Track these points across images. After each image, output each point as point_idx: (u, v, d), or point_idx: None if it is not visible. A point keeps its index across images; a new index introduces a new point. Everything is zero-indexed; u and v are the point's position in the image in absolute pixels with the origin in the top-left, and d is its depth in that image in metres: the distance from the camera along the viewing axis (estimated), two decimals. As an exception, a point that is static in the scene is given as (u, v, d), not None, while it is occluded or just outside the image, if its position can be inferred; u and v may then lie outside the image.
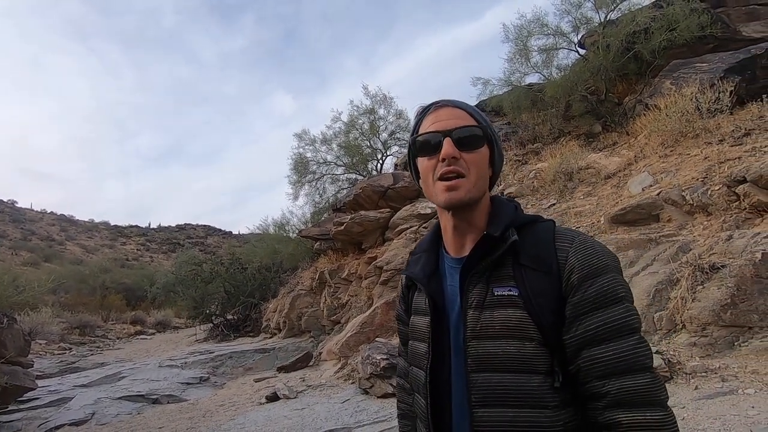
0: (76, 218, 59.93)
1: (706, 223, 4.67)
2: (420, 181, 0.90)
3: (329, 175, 14.38)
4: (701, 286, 3.78)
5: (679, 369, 3.43)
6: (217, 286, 13.63)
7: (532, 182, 8.07)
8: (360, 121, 14.18)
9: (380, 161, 14.10)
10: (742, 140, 5.69)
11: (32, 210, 56.49)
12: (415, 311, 0.94)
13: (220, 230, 66.40)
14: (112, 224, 61.82)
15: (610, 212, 5.46)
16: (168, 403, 6.00)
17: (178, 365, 7.97)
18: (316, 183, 14.35)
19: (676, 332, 3.81)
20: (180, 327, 18.85)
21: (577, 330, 0.75)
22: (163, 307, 21.02)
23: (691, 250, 4.25)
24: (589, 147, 8.62)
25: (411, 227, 8.12)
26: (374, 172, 13.35)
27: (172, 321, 19.92)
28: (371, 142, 14.05)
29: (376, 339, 6.13)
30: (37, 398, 6.03)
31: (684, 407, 2.92)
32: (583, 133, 9.46)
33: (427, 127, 0.86)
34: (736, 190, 4.57)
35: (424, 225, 8.05)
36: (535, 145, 9.79)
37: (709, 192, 4.84)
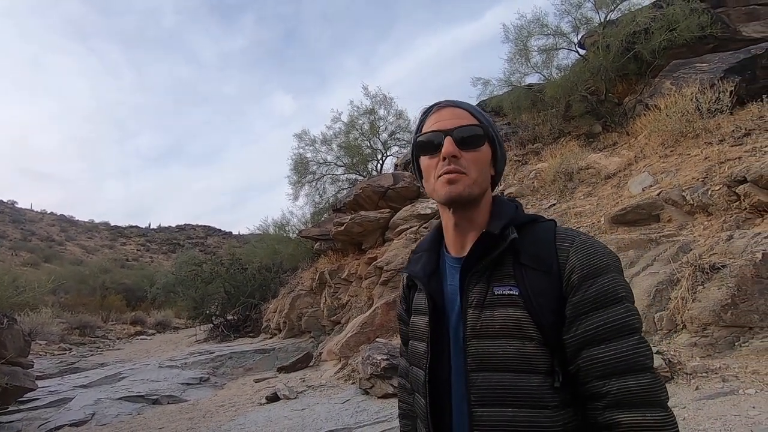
0: (76, 219, 59.98)
1: (706, 223, 4.67)
2: (423, 180, 0.91)
3: (329, 176, 14.40)
4: (702, 287, 3.78)
5: (680, 369, 3.42)
6: (217, 286, 13.63)
7: (533, 182, 8.07)
8: (360, 122, 14.20)
9: (380, 161, 14.12)
10: (743, 140, 5.69)
11: (32, 210, 56.51)
12: (416, 311, 0.94)
13: (220, 230, 66.40)
14: (112, 225, 61.85)
15: (610, 212, 5.46)
16: (168, 403, 5.99)
17: (178, 366, 7.97)
18: (316, 183, 14.37)
19: (676, 332, 3.81)
20: (180, 327, 18.84)
21: (578, 330, 0.74)
22: (163, 308, 21.01)
23: (691, 250, 4.25)
24: (590, 147, 8.62)
25: (411, 227, 8.12)
26: (374, 173, 13.35)
27: (172, 321, 19.90)
28: (371, 143, 14.06)
29: (377, 339, 6.13)
30: (38, 399, 6.02)
31: (685, 407, 2.92)
32: (583, 134, 9.46)
33: (429, 127, 0.87)
34: (737, 190, 4.57)
35: (424, 225, 8.05)
36: (535, 145, 9.79)
37: (709, 192, 4.84)
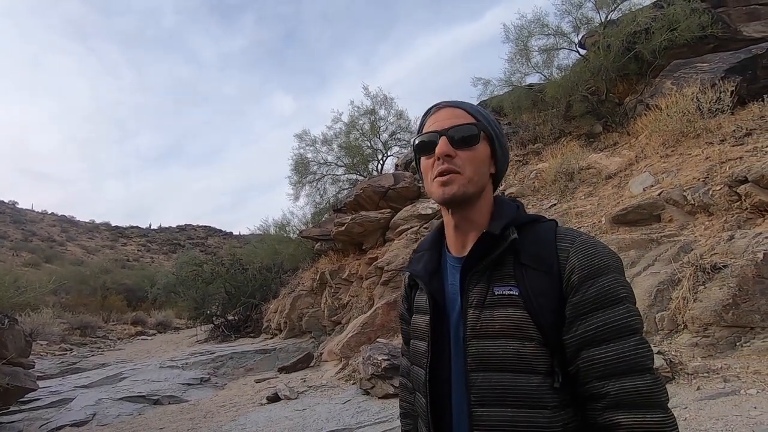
0: (77, 219, 60.10)
1: (707, 223, 4.66)
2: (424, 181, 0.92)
3: (330, 176, 14.40)
4: (703, 287, 3.78)
5: (681, 369, 3.42)
6: (218, 286, 13.63)
7: (533, 182, 8.06)
8: (360, 122, 14.22)
9: (381, 162, 14.12)
10: (744, 140, 5.68)
11: (33, 211, 56.62)
12: (417, 310, 0.95)
13: (220, 231, 66.49)
14: (112, 225, 61.93)
15: (611, 212, 5.45)
16: (169, 403, 6.00)
17: (179, 366, 7.97)
18: (317, 183, 14.37)
19: (677, 332, 3.80)
20: (181, 328, 18.84)
21: (577, 330, 0.74)
22: (164, 308, 21.02)
23: (692, 250, 4.25)
24: (590, 147, 8.61)
25: (412, 228, 8.12)
26: (375, 173, 13.36)
27: (173, 322, 19.91)
28: (372, 143, 14.06)
29: (377, 339, 6.13)
30: (39, 399, 6.03)
31: (686, 408, 2.91)
32: (583, 134, 9.45)
33: (427, 128, 0.89)
34: (738, 190, 4.56)
35: (424, 225, 8.05)
36: (535, 145, 9.78)
37: (710, 192, 4.83)
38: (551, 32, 9.97)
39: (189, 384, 6.89)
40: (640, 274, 4.35)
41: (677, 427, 0.71)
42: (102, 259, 38.38)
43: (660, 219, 5.11)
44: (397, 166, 12.86)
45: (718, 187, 4.81)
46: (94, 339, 14.61)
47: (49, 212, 58.60)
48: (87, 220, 60.88)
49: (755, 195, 4.38)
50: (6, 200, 54.34)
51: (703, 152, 5.77)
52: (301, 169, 14.14)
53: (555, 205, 6.89)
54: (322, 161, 14.30)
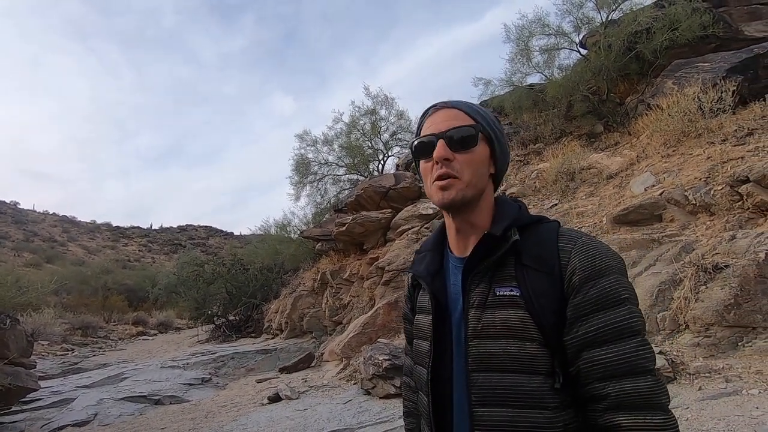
0: (78, 219, 60.17)
1: (709, 223, 4.66)
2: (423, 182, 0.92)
3: (331, 176, 14.42)
4: (704, 287, 3.77)
5: (683, 369, 3.41)
6: (219, 286, 13.64)
7: (534, 182, 8.06)
8: (361, 122, 14.23)
9: (382, 162, 14.14)
10: (745, 140, 5.67)
11: (34, 211, 56.74)
12: (420, 310, 0.95)
13: (221, 231, 66.53)
14: (114, 225, 62.02)
15: (612, 212, 5.45)
16: (170, 403, 6.00)
17: (180, 366, 7.98)
18: (318, 184, 14.39)
19: (679, 332, 3.80)
20: (182, 328, 18.85)
21: (578, 331, 0.74)
22: (165, 308, 21.05)
23: (694, 250, 4.24)
24: (591, 147, 8.61)
25: (413, 228, 8.12)
26: (376, 173, 13.37)
27: (174, 322, 19.92)
28: (373, 143, 14.08)
29: (378, 340, 6.12)
30: (40, 399, 6.03)
31: (688, 408, 2.91)
32: (584, 133, 9.45)
33: (425, 130, 0.88)
34: (739, 190, 4.56)
35: (425, 225, 8.05)
36: (536, 145, 9.78)
37: (712, 192, 4.83)
38: (552, 32, 9.98)
39: (190, 384, 6.90)
40: (642, 274, 4.34)
41: (678, 429, 0.70)
42: (103, 259, 38.43)
43: (661, 219, 5.11)
44: (398, 166, 12.87)
45: (720, 187, 4.80)
46: (95, 339, 14.63)
47: (51, 212, 58.77)
48: (88, 221, 61.03)
49: (757, 195, 4.38)
50: (7, 201, 54.54)
51: (704, 152, 5.76)
52: (302, 169, 14.15)
53: (556, 205, 6.89)
54: (323, 161, 14.32)
